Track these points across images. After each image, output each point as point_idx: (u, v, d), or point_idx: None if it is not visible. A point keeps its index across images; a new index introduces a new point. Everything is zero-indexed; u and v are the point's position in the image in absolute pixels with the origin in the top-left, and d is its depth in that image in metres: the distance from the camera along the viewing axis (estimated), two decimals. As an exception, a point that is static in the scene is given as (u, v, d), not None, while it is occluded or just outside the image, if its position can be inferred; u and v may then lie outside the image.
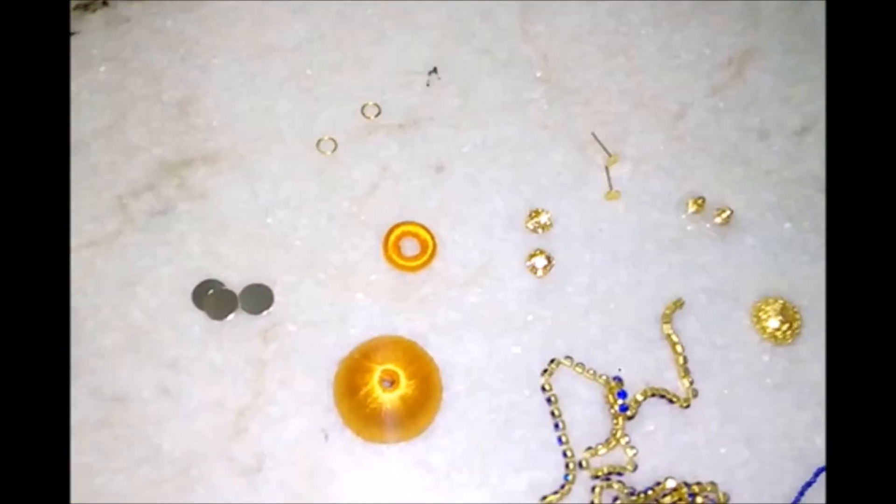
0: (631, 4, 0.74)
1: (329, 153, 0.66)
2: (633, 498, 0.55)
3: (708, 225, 0.66)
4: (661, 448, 0.58)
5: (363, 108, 0.68)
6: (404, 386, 0.54)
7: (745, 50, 0.73)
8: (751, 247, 0.65)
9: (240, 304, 0.59)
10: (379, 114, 0.68)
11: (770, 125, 0.70)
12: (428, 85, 0.70)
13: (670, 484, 0.56)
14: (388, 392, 0.54)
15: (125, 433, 0.56)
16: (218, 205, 0.63)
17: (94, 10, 0.70)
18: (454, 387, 0.59)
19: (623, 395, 0.58)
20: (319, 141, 0.66)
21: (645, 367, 0.61)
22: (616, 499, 0.56)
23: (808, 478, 0.58)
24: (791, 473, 0.58)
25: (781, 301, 0.62)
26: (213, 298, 0.59)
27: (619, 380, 0.59)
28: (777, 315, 0.62)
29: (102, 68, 0.68)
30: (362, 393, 0.54)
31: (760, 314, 0.62)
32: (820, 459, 0.58)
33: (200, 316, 0.59)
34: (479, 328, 0.61)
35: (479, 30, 0.72)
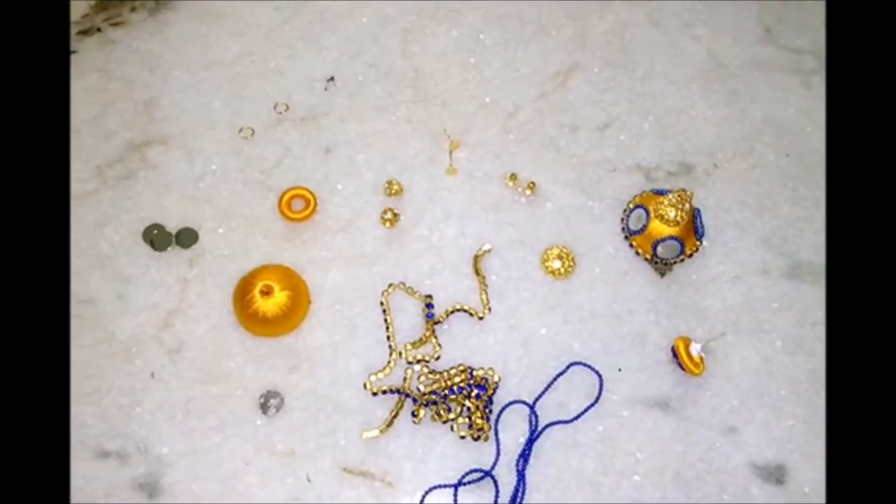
0: (488, 30, 0.99)
1: (248, 138, 0.92)
2: (432, 375, 0.81)
3: (519, 194, 0.90)
4: (460, 346, 0.83)
5: (275, 105, 0.94)
6: (277, 296, 0.80)
7: (571, 65, 0.97)
8: (549, 210, 0.90)
9: (174, 241, 0.86)
10: (287, 109, 0.94)
11: (580, 122, 0.94)
12: (326, 90, 0.95)
13: (460, 368, 0.81)
14: (264, 299, 0.80)
15: (90, 324, 0.83)
16: (166, 173, 0.90)
17: (91, 35, 0.97)
18: (320, 302, 0.85)
19: (430, 306, 0.83)
20: (241, 129, 0.92)
21: (458, 291, 0.86)
22: (420, 376, 0.81)
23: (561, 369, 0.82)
24: (552, 367, 0.83)
25: (560, 247, 0.87)
26: (157, 236, 0.86)
27: (430, 297, 0.84)
28: (557, 258, 0.86)
29: (94, 76, 0.95)
30: (247, 298, 0.80)
31: (546, 256, 0.86)
32: (572, 357, 0.83)
33: (147, 248, 0.86)
34: (342, 262, 0.87)
35: (368, 48, 0.97)
